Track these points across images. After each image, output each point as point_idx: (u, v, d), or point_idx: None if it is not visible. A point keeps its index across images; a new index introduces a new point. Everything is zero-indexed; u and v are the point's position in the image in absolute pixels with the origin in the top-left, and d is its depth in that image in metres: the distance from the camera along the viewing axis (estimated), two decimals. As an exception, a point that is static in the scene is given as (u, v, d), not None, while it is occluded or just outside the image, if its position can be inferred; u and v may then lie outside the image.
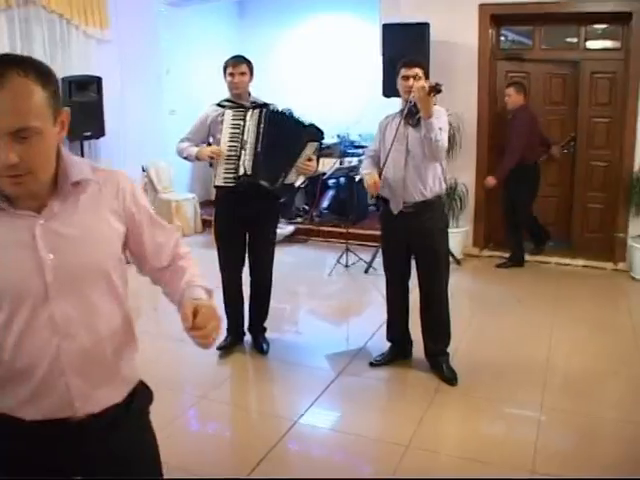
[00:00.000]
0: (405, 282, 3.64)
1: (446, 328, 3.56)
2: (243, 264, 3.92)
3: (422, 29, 5.17)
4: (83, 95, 5.55)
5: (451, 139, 5.51)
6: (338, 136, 7.44)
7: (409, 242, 3.48)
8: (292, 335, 4.32)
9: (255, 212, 3.73)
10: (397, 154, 3.39)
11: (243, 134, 3.58)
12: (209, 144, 3.76)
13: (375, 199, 3.53)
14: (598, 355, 3.79)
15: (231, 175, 3.60)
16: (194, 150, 3.70)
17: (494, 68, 5.60)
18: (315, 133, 3.74)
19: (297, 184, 3.85)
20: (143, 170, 6.47)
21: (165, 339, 3.99)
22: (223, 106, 3.69)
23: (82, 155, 5.69)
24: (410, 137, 3.34)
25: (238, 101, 3.71)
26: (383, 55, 5.27)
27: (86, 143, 5.89)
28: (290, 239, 6.76)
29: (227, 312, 3.97)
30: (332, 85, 7.65)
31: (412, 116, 3.27)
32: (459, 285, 5.18)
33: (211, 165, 3.81)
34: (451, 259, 5.54)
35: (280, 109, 3.71)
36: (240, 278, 3.93)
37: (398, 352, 3.74)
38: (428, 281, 3.51)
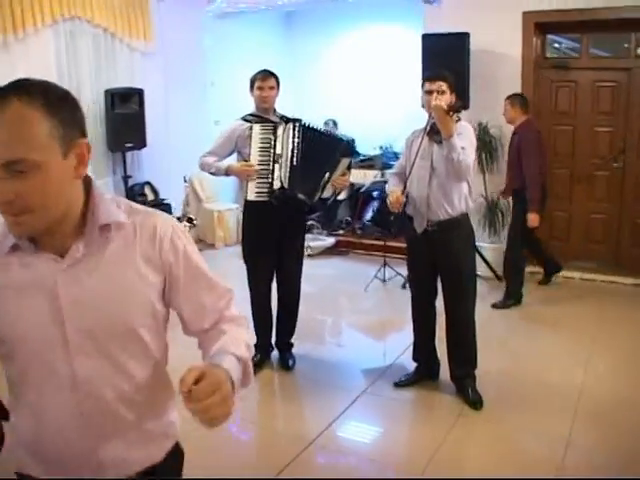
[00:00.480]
0: (431, 301, 3.54)
1: (472, 350, 3.43)
2: (272, 279, 3.90)
3: (462, 39, 5.04)
4: (125, 107, 5.67)
5: (492, 153, 5.37)
6: (380, 147, 7.36)
7: (434, 261, 3.38)
8: (321, 351, 4.26)
9: (284, 226, 3.71)
10: (421, 171, 3.29)
11: (275, 148, 3.56)
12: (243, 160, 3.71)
13: (400, 216, 3.44)
14: (637, 386, 3.56)
15: (265, 190, 3.57)
16: (223, 165, 3.70)
17: (539, 78, 5.40)
18: (347, 148, 3.72)
19: (337, 197, 3.84)
20: (185, 181, 6.55)
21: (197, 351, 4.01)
22: (249, 121, 3.68)
23: (124, 165, 5.83)
24: (435, 154, 3.24)
25: (264, 115, 3.70)
26: (423, 66, 5.16)
27: (129, 154, 6.02)
28: (331, 251, 6.72)
29: (256, 328, 3.95)
30: (377, 96, 7.56)
31: (435, 133, 3.17)
32: (497, 303, 5.04)
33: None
34: (492, 275, 5.45)
35: (310, 124, 3.68)
36: (269, 293, 3.91)
37: (424, 373, 3.64)
38: (453, 302, 3.40)
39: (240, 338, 1.28)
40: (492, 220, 5.50)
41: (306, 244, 6.49)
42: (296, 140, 3.55)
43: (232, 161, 3.82)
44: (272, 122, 3.62)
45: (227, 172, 3.67)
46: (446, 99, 3.14)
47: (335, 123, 7.70)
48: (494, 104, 5.38)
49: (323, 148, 3.60)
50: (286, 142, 3.55)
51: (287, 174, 3.54)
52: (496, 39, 5.32)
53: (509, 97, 4.77)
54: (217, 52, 7.23)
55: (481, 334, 4.27)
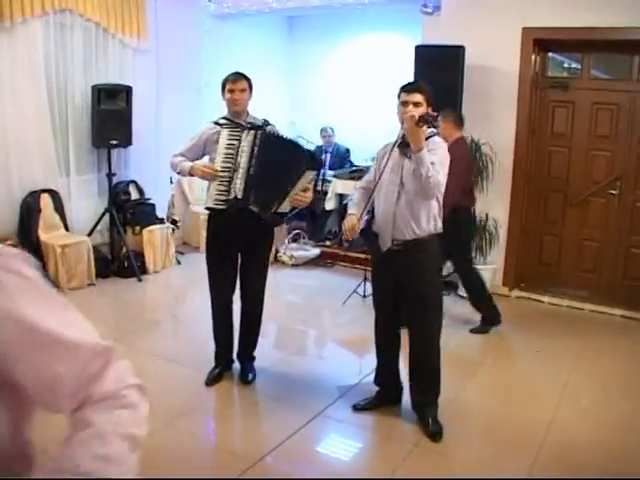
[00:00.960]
0: (394, 324, 3.37)
1: (435, 378, 3.25)
2: (234, 290, 3.77)
3: (456, 52, 4.88)
4: (112, 103, 5.55)
5: (483, 170, 5.20)
6: (372, 159, 7.18)
7: (398, 282, 3.21)
8: (286, 363, 4.08)
9: (247, 236, 3.57)
10: (390, 186, 3.13)
11: (237, 155, 3.42)
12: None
13: (365, 231, 3.27)
14: (612, 426, 3.33)
15: (223, 197, 3.44)
16: (187, 165, 3.55)
17: (536, 96, 5.22)
18: (313, 161, 3.54)
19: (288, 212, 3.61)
20: (171, 182, 6.42)
21: (159, 358, 3.95)
22: (220, 124, 3.55)
23: (109, 163, 5.70)
24: (405, 169, 3.07)
25: (236, 119, 3.56)
26: (415, 77, 4.99)
27: (116, 152, 5.90)
28: (316, 262, 6.56)
29: (216, 337, 3.82)
30: (374, 105, 7.40)
31: (406, 146, 3.00)
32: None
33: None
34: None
35: (277, 132, 3.54)
36: (230, 301, 3.77)
37: (385, 398, 3.47)
38: (416, 327, 3.23)
39: (109, 436, 0.91)
40: (481, 241, 5.31)
41: (289, 253, 6.44)
42: (256, 149, 3.40)
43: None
44: (241, 127, 3.48)
45: (190, 172, 3.53)
46: (421, 112, 2.99)
47: (332, 130, 7.55)
48: (487, 120, 5.23)
49: (284, 159, 3.41)
50: (247, 149, 3.40)
51: (242, 184, 3.40)
52: (494, 54, 5.15)
53: (442, 111, 4.33)
54: (214, 53, 7.11)
55: (453, 359, 4.14)
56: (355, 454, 3.09)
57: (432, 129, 3.09)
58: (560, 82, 5.20)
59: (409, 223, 3.07)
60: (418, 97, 3.03)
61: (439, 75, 4.89)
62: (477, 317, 4.94)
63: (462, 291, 5.43)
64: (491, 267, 5.40)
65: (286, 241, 6.65)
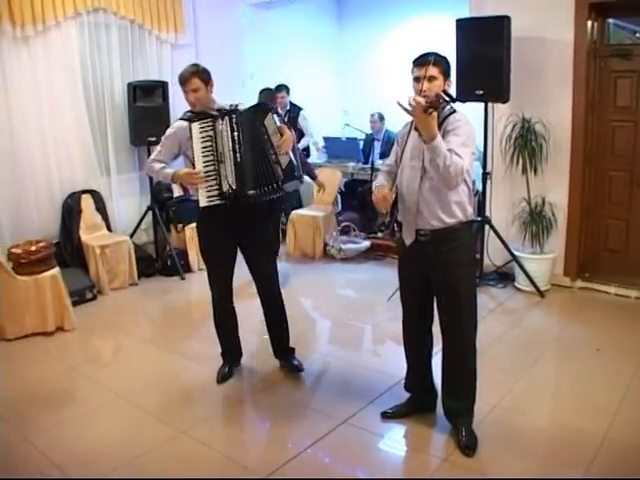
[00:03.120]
0: (424, 323, 3.06)
1: (469, 382, 2.92)
2: (232, 277, 3.57)
3: (499, 23, 4.45)
4: (148, 100, 5.49)
5: (536, 152, 4.76)
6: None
7: (427, 277, 2.90)
8: (316, 366, 3.85)
9: (243, 223, 3.37)
10: (412, 172, 2.81)
11: (217, 146, 3.19)
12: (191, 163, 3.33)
13: (389, 219, 2.96)
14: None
15: (215, 192, 3.22)
16: (169, 172, 3.34)
17: (594, 67, 4.71)
18: (260, 106, 3.34)
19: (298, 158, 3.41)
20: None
21: (177, 355, 3.85)
22: (188, 119, 3.29)
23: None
24: (426, 153, 2.75)
25: (204, 110, 3.29)
26: (457, 55, 4.62)
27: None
28: (366, 255, 6.29)
29: (219, 333, 3.70)
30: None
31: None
32: (532, 323, 4.46)
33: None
34: (534, 290, 4.84)
35: (244, 108, 3.28)
36: (230, 293, 3.60)
37: (417, 404, 3.17)
38: (448, 325, 2.90)
39: None
40: (535, 227, 4.88)
41: (338, 246, 6.19)
42: (236, 134, 3.16)
43: (179, 165, 3.48)
44: (211, 116, 3.22)
45: (173, 179, 3.33)
46: (438, 87, 2.67)
47: (382, 117, 7.23)
48: (539, 97, 4.80)
49: (254, 126, 3.19)
50: (227, 138, 3.17)
51: (233, 172, 3.18)
52: (544, 23, 4.69)
53: None
54: (259, 44, 6.96)
55: (502, 359, 3.79)
56: (375, 469, 2.80)
57: (450, 106, 2.75)
58: (622, 50, 4.66)
59: (435, 210, 2.75)
60: (432, 70, 2.69)
61: (483, 50, 4.52)
62: (533, 312, 4.58)
63: (519, 283, 5.03)
64: (550, 256, 4.96)
65: (334, 233, 6.41)
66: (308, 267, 6.09)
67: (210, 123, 3.19)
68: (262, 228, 3.48)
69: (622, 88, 4.69)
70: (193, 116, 3.28)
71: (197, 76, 3.25)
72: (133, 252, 5.39)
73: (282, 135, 3.21)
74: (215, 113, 3.24)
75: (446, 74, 2.72)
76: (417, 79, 2.70)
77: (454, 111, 2.75)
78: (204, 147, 3.20)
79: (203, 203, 3.22)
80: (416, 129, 2.73)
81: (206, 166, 3.20)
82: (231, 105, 3.30)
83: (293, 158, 3.29)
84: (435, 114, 2.50)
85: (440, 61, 2.71)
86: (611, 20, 4.73)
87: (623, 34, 4.87)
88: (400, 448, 2.99)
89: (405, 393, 3.23)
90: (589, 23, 4.60)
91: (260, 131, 3.19)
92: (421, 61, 2.71)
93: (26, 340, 4.22)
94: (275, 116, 3.25)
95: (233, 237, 3.42)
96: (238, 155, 3.17)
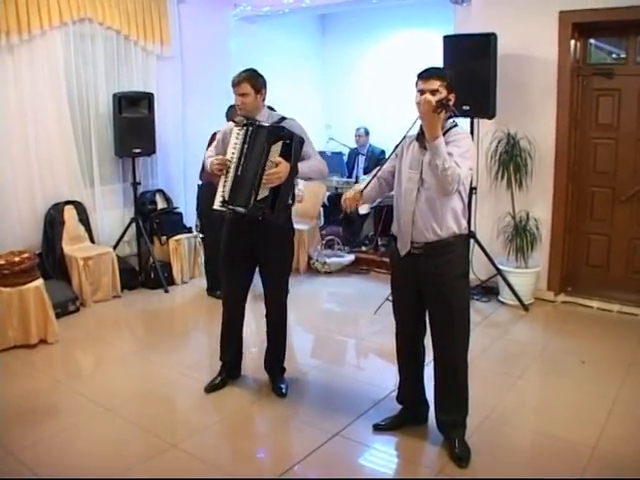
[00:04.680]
0: (417, 336, 3.07)
1: (461, 395, 2.94)
2: (244, 298, 3.61)
3: (486, 41, 4.53)
4: (133, 111, 5.45)
5: (521, 167, 4.84)
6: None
7: (420, 290, 2.91)
8: (306, 379, 3.84)
9: (260, 241, 3.39)
10: (408, 183, 2.84)
11: (235, 154, 3.25)
12: None
13: (372, 233, 2.99)
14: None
15: (220, 199, 3.27)
16: (208, 161, 3.44)
17: (577, 85, 4.82)
18: (277, 132, 3.21)
19: (279, 196, 3.25)
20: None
21: (179, 371, 3.79)
22: (235, 122, 3.34)
23: (134, 172, 5.59)
24: (425, 165, 2.78)
25: (250, 116, 3.32)
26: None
27: (141, 161, 5.81)
28: (350, 269, 6.29)
29: (222, 341, 3.68)
30: (410, 105, 7.11)
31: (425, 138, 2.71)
32: (517, 336, 4.51)
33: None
34: (518, 304, 4.89)
35: (267, 124, 3.26)
36: (242, 305, 3.62)
37: (409, 417, 3.17)
38: (440, 339, 2.92)
39: None
40: (520, 242, 4.94)
41: (322, 260, 6.19)
42: (245, 146, 3.20)
43: None
44: (247, 124, 3.24)
45: (205, 167, 3.45)
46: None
47: (367, 132, 7.28)
48: (524, 114, 4.88)
49: (258, 143, 3.19)
50: (238, 148, 3.22)
51: (230, 184, 3.22)
52: (529, 41, 4.79)
53: None
54: (244, 57, 6.94)
55: (490, 371, 3.82)
56: (370, 481, 2.80)
57: (453, 120, 2.81)
58: (604, 69, 4.78)
59: (430, 223, 2.78)
60: (436, 84, 2.73)
61: (470, 66, 4.58)
62: (518, 325, 4.63)
63: (503, 297, 5.08)
64: (534, 270, 5.02)
65: (318, 247, 6.41)
66: (292, 281, 5.94)
67: (244, 130, 3.22)
68: (275, 251, 3.45)
69: (604, 106, 4.81)
70: (239, 120, 3.29)
71: (248, 82, 3.27)
72: (116, 264, 5.32)
73: (276, 166, 3.16)
74: (248, 122, 3.24)
75: (449, 88, 2.75)
76: (421, 92, 2.73)
77: (456, 125, 2.81)
78: (232, 151, 3.25)
79: (215, 205, 3.27)
80: (418, 139, 2.78)
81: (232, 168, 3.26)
82: (280, 120, 3.32)
83: (273, 198, 3.20)
84: (442, 116, 2.55)
85: (444, 75, 2.76)
86: (592, 40, 4.85)
87: (601, 55, 4.99)
88: (393, 460, 2.99)
89: (396, 405, 3.23)
90: (572, 42, 4.71)
91: (261, 151, 3.17)
92: (426, 75, 2.75)
93: (8, 353, 4.12)
94: (282, 146, 3.17)
95: (247, 249, 3.42)
96: (240, 168, 3.21)
